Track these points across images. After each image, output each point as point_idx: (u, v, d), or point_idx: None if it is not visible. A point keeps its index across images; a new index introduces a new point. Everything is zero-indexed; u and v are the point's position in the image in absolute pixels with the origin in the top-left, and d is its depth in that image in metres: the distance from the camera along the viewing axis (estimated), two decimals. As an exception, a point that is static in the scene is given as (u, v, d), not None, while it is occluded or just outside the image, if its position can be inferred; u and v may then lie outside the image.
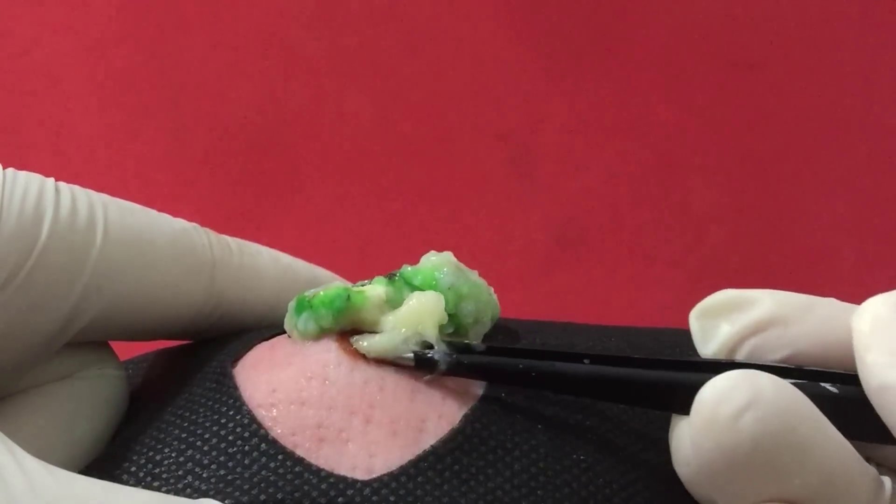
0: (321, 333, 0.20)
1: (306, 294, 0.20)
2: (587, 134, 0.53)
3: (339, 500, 0.17)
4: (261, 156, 0.52)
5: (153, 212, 0.21)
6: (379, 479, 0.18)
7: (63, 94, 0.51)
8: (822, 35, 0.52)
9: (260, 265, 0.23)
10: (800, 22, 0.52)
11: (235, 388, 0.19)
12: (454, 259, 0.22)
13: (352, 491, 0.18)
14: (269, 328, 0.22)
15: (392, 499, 0.17)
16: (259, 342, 0.21)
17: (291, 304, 0.20)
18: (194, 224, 0.22)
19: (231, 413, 0.19)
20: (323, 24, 0.52)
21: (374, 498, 0.17)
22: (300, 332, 0.20)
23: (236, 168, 0.52)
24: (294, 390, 0.19)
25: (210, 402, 0.19)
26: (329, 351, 0.19)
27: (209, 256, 0.21)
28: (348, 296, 0.19)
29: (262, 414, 0.19)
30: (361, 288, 0.20)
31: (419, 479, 0.18)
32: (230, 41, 0.52)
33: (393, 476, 0.18)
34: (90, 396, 0.21)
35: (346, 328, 0.20)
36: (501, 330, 0.22)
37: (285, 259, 0.24)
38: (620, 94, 0.53)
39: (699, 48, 0.52)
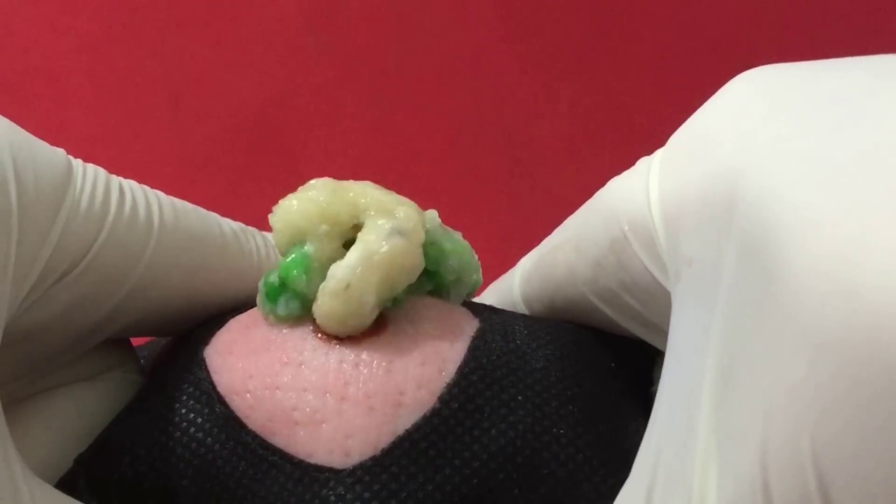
0: (305, 313, 0.19)
1: (269, 279, 0.19)
2: (587, 134, 0.52)
3: (315, 501, 0.17)
4: (261, 155, 0.52)
5: (203, 212, 0.21)
6: (352, 473, 0.17)
7: (63, 94, 0.51)
8: (822, 35, 0.52)
9: None
10: (800, 22, 0.52)
11: (208, 374, 0.19)
12: (437, 218, 0.21)
13: (325, 490, 0.17)
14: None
15: (367, 495, 0.17)
16: (231, 317, 0.21)
17: (261, 288, 0.20)
18: (241, 225, 0.22)
19: (204, 407, 0.18)
20: (323, 24, 0.52)
21: (349, 496, 0.17)
22: (280, 317, 0.19)
23: (236, 167, 0.52)
24: (269, 375, 0.18)
25: (184, 397, 0.19)
26: (304, 339, 0.19)
27: (256, 261, 0.21)
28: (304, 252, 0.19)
29: (236, 401, 0.18)
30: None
31: (393, 468, 0.17)
32: (230, 41, 0.52)
33: (366, 468, 0.17)
34: (115, 398, 0.21)
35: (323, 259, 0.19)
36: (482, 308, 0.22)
37: None
38: (620, 94, 0.52)
39: (699, 48, 0.52)
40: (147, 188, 0.20)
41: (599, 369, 0.20)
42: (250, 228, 0.22)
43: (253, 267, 0.21)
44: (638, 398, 0.20)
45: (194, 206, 0.21)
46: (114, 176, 0.19)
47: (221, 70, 0.52)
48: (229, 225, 0.21)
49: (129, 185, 0.19)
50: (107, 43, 0.51)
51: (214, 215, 0.21)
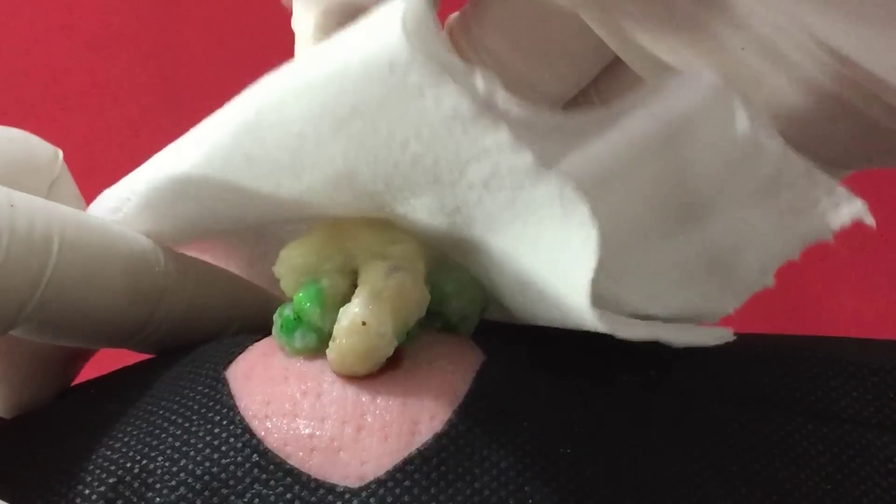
0: (321, 346, 0.20)
1: (285, 313, 0.20)
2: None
3: None
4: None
5: (113, 230, 0.21)
6: (366, 487, 0.18)
7: (63, 94, 0.51)
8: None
9: (213, 290, 0.22)
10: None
11: (230, 395, 0.19)
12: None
13: (340, 502, 0.18)
14: (260, 329, 0.22)
15: None
16: (251, 342, 0.21)
17: (276, 321, 0.20)
18: (155, 246, 0.21)
19: (225, 423, 0.19)
20: (323, 24, 0.52)
21: None
22: (296, 349, 0.20)
23: (236, 168, 0.52)
24: (289, 403, 0.19)
25: (203, 410, 0.19)
26: (323, 370, 0.19)
27: (160, 284, 0.21)
28: (318, 285, 0.20)
29: (255, 424, 0.19)
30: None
31: (406, 483, 0.18)
32: (230, 41, 0.52)
33: (380, 482, 0.18)
34: None
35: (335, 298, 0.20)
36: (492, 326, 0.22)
37: (242, 284, 0.23)
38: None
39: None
40: (50, 204, 0.20)
41: (608, 387, 0.21)
42: (164, 248, 0.22)
43: (156, 291, 0.21)
44: (650, 403, 0.21)
45: (105, 223, 0.21)
46: (4, 192, 0.19)
47: (221, 70, 0.52)
48: (139, 243, 0.21)
49: (29, 201, 0.19)
50: (107, 43, 0.51)
51: (130, 234, 0.21)
